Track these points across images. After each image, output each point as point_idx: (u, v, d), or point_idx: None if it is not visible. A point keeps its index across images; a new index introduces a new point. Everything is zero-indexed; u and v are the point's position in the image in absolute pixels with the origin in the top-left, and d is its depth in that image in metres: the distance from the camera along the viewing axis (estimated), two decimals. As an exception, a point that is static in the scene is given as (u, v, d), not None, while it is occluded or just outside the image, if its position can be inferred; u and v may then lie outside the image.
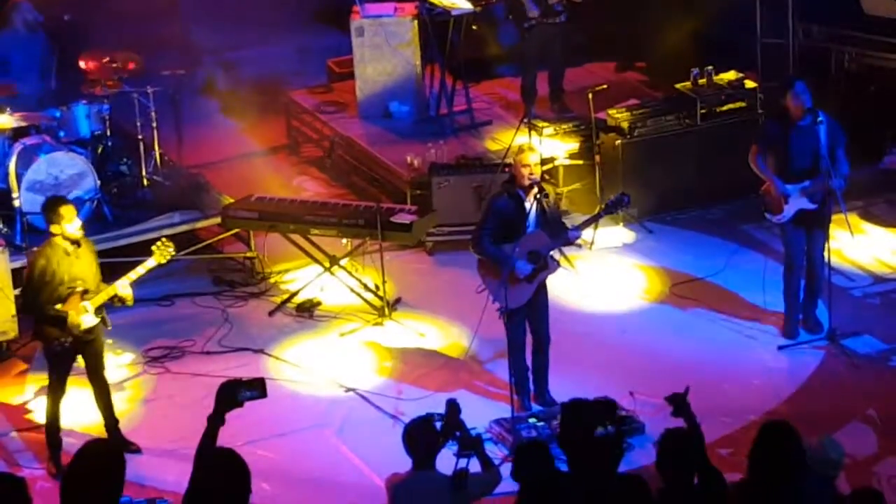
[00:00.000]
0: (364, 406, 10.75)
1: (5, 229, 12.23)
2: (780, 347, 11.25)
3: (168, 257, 10.15)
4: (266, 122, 15.67)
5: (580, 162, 13.87)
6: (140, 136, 13.21)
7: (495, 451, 9.62)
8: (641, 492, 7.13)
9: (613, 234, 13.20)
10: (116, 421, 10.23)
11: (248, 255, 12.93)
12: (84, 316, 9.84)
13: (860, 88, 14.35)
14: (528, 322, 10.44)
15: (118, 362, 11.31)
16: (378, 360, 11.41)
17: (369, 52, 14.84)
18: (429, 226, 12.50)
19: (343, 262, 12.37)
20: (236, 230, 12.85)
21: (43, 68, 13.81)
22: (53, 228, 9.86)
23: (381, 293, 11.96)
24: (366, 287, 12.20)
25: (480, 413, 10.07)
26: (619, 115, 13.56)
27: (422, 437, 7.84)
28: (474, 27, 15.04)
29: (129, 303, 10.09)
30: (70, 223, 9.82)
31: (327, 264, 12.36)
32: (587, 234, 12.18)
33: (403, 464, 7.89)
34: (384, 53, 14.83)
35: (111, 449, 6.15)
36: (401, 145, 14.17)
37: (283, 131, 15.57)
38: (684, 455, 7.14)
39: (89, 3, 14.81)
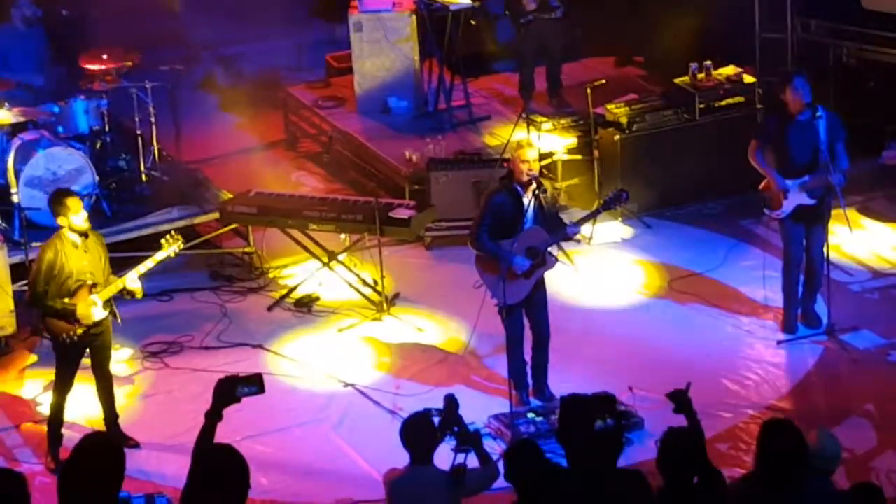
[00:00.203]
0: (362, 401, 10.74)
1: (4, 225, 12.21)
2: (779, 342, 11.24)
3: (178, 250, 10.15)
4: (264, 118, 15.68)
5: (578, 157, 13.87)
6: (138, 132, 13.21)
7: (494, 447, 9.58)
8: (641, 487, 7.09)
9: (612, 230, 13.18)
10: (116, 416, 10.22)
11: (247, 250, 12.92)
12: (93, 309, 9.83)
13: (859, 83, 14.35)
14: (527, 318, 10.43)
15: (117, 357, 11.21)
16: (376, 356, 11.39)
17: (368, 48, 14.84)
18: (427, 221, 12.48)
19: (341, 257, 12.37)
20: (235, 225, 12.84)
21: (41, 64, 13.79)
22: (60, 221, 9.85)
23: (379, 288, 11.95)
24: (364, 282, 12.20)
25: (479, 408, 10.06)
26: (617, 111, 13.55)
27: (420, 432, 7.83)
28: (472, 22, 15.04)
29: (139, 296, 10.11)
30: (76, 215, 9.80)
31: (326, 259, 12.35)
32: (586, 229, 12.16)
33: (401, 459, 7.88)
34: (382, 49, 14.83)
35: (110, 443, 6.09)
36: (399, 140, 14.18)
37: (282, 126, 15.56)
38: (686, 454, 7.07)
39: (87, -1, 14.86)
